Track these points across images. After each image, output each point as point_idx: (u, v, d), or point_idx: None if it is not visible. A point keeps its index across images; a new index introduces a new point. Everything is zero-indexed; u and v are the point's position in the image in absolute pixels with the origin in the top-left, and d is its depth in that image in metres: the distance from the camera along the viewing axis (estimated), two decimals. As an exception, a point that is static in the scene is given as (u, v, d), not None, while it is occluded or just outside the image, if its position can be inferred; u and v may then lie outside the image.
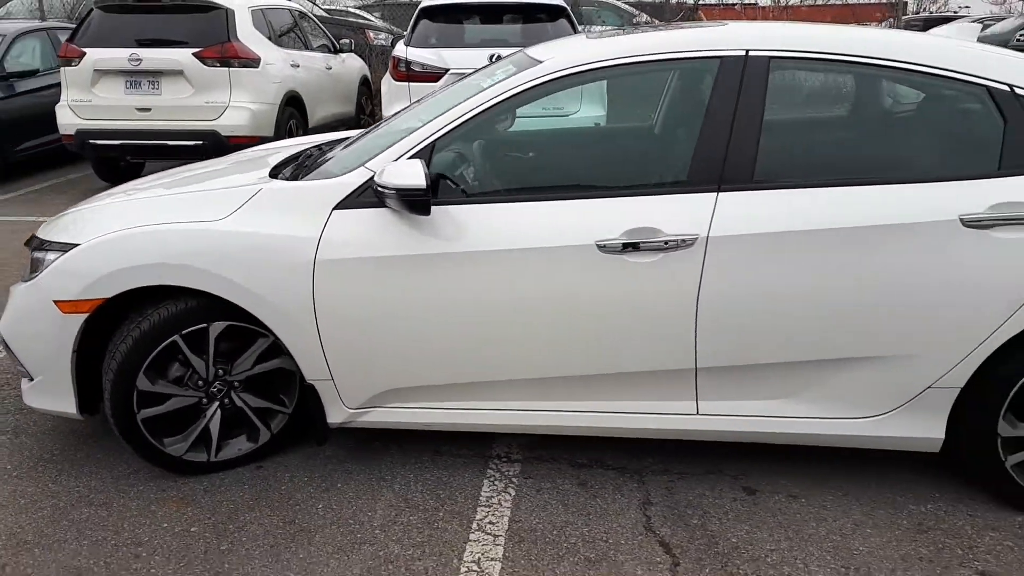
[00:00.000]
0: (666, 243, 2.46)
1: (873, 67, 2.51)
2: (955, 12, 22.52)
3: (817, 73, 2.57)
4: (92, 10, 7.13)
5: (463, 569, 2.42)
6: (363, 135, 3.16)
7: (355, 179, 2.64)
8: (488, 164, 2.84)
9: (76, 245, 2.73)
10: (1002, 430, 2.54)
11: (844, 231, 2.43)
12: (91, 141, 7.02)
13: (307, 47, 8.56)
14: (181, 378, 2.81)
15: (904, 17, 20.09)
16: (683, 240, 2.46)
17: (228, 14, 7.00)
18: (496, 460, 2.99)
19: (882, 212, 2.42)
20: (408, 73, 6.75)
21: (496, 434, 3.13)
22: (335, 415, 2.81)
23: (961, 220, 2.39)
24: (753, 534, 2.56)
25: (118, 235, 2.69)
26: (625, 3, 13.90)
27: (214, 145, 6.71)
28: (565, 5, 7.04)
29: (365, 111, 9.96)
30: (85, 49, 6.91)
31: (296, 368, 2.78)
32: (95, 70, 6.90)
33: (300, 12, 8.93)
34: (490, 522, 2.64)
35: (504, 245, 2.52)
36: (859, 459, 2.93)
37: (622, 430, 2.73)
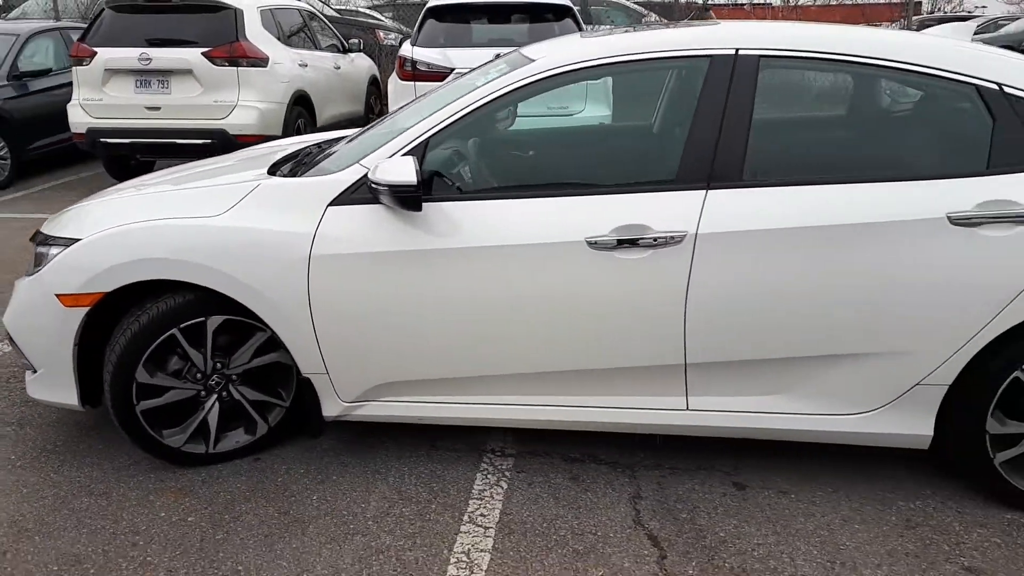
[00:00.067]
0: (655, 240, 2.49)
1: (862, 66, 2.53)
2: (969, 12, 22.35)
3: (807, 72, 2.59)
4: (103, 10, 7.21)
5: (452, 560, 2.45)
6: (361, 133, 3.21)
7: (350, 176, 2.68)
8: (481, 161, 2.87)
9: (78, 240, 2.79)
10: (990, 427, 2.55)
11: (832, 229, 2.45)
12: (102, 140, 7.10)
13: (316, 47, 8.63)
14: (180, 371, 2.86)
15: (918, 17, 19.97)
16: (671, 237, 2.48)
17: (237, 14, 7.07)
18: (490, 454, 3.03)
19: (870, 210, 2.44)
20: (414, 72, 6.80)
21: (491, 429, 3.16)
22: (330, 408, 2.85)
23: (948, 218, 2.41)
24: (741, 528, 2.58)
25: (118, 230, 2.74)
26: (634, 3, 13.91)
27: (223, 144, 6.77)
28: (571, 5, 7.06)
29: (374, 110, 10.03)
30: (96, 48, 7.00)
31: (293, 362, 2.82)
32: (106, 69, 6.98)
33: (309, 12, 9.00)
34: (481, 514, 2.67)
35: (495, 241, 2.56)
36: (850, 456, 2.95)
37: (613, 425, 2.76)
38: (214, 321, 2.79)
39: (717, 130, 2.52)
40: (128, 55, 6.92)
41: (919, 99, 2.64)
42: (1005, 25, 14.14)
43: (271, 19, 7.63)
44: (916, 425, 2.59)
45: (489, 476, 2.89)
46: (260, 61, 7.07)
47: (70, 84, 7.28)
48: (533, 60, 2.70)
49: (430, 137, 2.65)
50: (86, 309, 2.76)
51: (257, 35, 7.20)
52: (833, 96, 2.71)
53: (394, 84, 7.13)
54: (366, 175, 2.62)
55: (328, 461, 3.00)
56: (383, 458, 3.01)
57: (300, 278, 2.65)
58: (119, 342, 2.75)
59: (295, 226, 2.66)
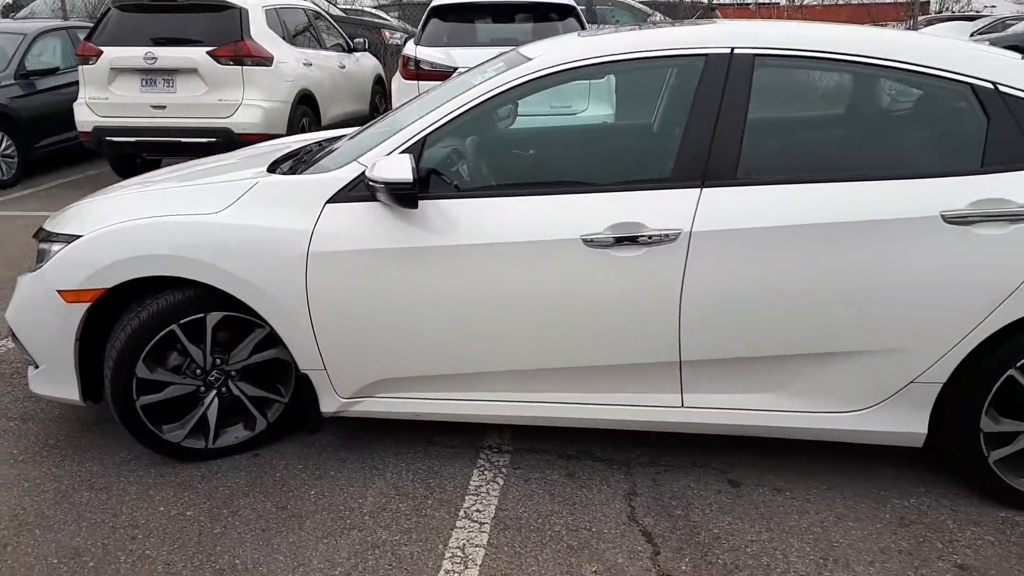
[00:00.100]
0: (649, 238, 2.50)
1: (858, 65, 2.54)
2: (978, 12, 22.28)
3: (802, 71, 2.60)
4: (109, 9, 7.26)
5: (447, 555, 2.47)
6: (359, 131, 3.23)
7: (347, 173, 2.70)
8: (478, 159, 2.89)
9: (79, 237, 2.82)
10: (985, 425, 2.55)
11: (826, 227, 2.46)
12: (108, 138, 7.15)
13: (321, 46, 8.66)
14: (179, 367, 2.88)
15: (925, 16, 19.91)
16: (666, 235, 2.50)
17: (242, 13, 7.11)
18: (487, 451, 3.05)
19: (864, 208, 2.45)
20: (417, 72, 6.82)
21: (488, 426, 3.18)
22: (328, 404, 2.88)
23: (942, 216, 2.41)
24: (735, 525, 2.59)
25: (119, 227, 2.77)
26: (640, 2, 13.91)
27: (227, 142, 6.79)
28: (574, 4, 7.07)
29: (379, 109, 10.06)
30: (102, 48, 7.05)
31: (291, 358, 2.85)
32: (112, 68, 7.03)
33: (315, 12, 9.04)
34: (477, 510, 2.69)
35: (491, 239, 2.58)
36: (846, 454, 2.96)
37: (609, 422, 2.77)
38: (213, 317, 2.82)
39: (712, 128, 2.54)
40: (134, 54, 6.96)
41: (914, 98, 2.65)
42: (1013, 25, 14.07)
43: (276, 18, 7.67)
44: (910, 423, 2.60)
45: (486, 472, 2.91)
46: (265, 60, 7.11)
47: (77, 83, 7.33)
48: (530, 59, 2.72)
49: (427, 135, 2.67)
50: (87, 305, 2.79)
51: (262, 34, 7.24)
52: (828, 95, 2.72)
53: (398, 83, 7.16)
54: (363, 173, 2.64)
55: (326, 457, 3.03)
56: (381, 454, 3.04)
57: (298, 275, 2.67)
58: (119, 338, 2.77)
59: (293, 223, 2.68)
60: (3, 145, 7.81)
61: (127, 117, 7.10)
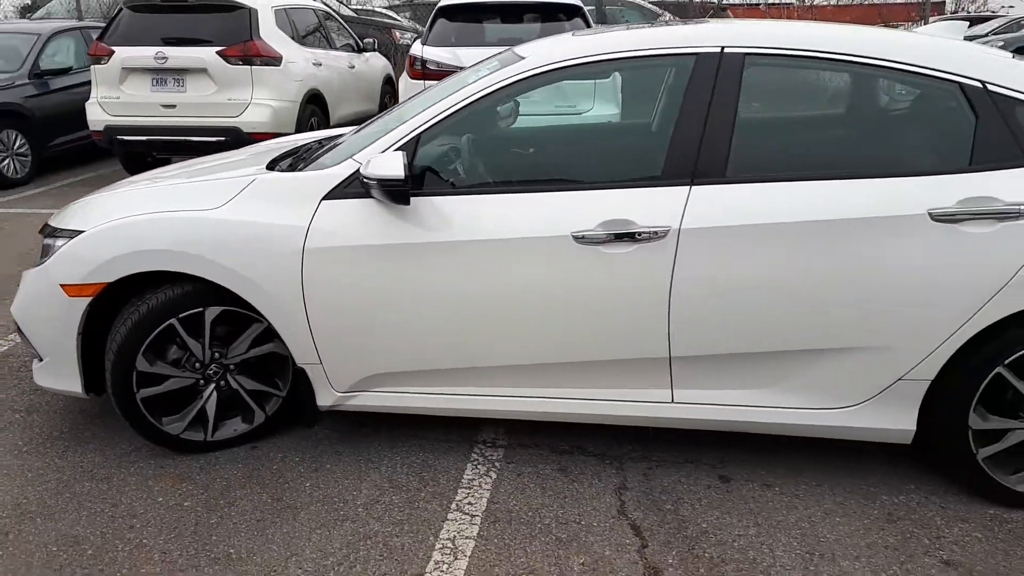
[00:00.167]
0: (639, 235, 2.53)
1: (847, 64, 2.56)
2: (993, 12, 22.09)
3: (791, 69, 2.61)
4: (121, 9, 7.35)
5: (438, 546, 2.51)
6: (358, 130, 3.27)
7: (343, 170, 2.75)
8: (471, 157, 2.92)
9: (82, 232, 2.87)
10: (973, 423, 2.56)
11: (815, 224, 2.47)
12: (119, 137, 7.24)
13: (331, 46, 8.73)
14: (179, 360, 2.94)
15: (941, 17, 19.75)
16: (655, 232, 2.52)
17: (251, 13, 7.17)
18: (481, 445, 3.08)
19: (852, 206, 2.46)
20: (424, 71, 6.87)
21: (483, 421, 3.22)
22: (324, 398, 2.92)
23: (930, 214, 2.43)
24: (723, 520, 2.62)
25: (120, 222, 2.82)
26: (650, 2, 13.92)
27: (236, 141, 6.85)
28: (580, 4, 7.10)
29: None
30: (114, 48, 7.14)
31: (288, 352, 2.89)
32: (123, 68, 7.12)
33: (325, 12, 9.11)
34: (469, 503, 2.73)
35: (483, 235, 2.61)
36: (837, 451, 2.98)
37: (601, 417, 2.80)
38: (212, 312, 2.87)
39: (702, 127, 2.56)
40: (144, 54, 7.04)
41: (903, 97, 2.66)
42: (1027, 25, 13.96)
43: (285, 19, 7.74)
44: (899, 420, 2.61)
45: (479, 466, 2.94)
46: (274, 60, 7.17)
47: (89, 82, 7.43)
48: (523, 58, 2.75)
49: (421, 133, 2.71)
50: (89, 299, 2.84)
51: (271, 34, 7.30)
52: (818, 94, 2.74)
53: (405, 83, 7.21)
54: (358, 169, 2.68)
55: (323, 450, 3.07)
56: (376, 448, 3.08)
57: (294, 270, 2.72)
58: (120, 331, 2.83)
59: (290, 219, 2.73)
60: (17, 144, 7.92)
61: (138, 116, 7.19)
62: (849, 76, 2.62)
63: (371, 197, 2.67)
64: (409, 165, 2.64)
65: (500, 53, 3.19)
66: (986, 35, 13.35)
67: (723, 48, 2.59)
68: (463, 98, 2.69)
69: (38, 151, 8.15)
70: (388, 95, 10.16)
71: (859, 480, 2.82)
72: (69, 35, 8.94)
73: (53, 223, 3.08)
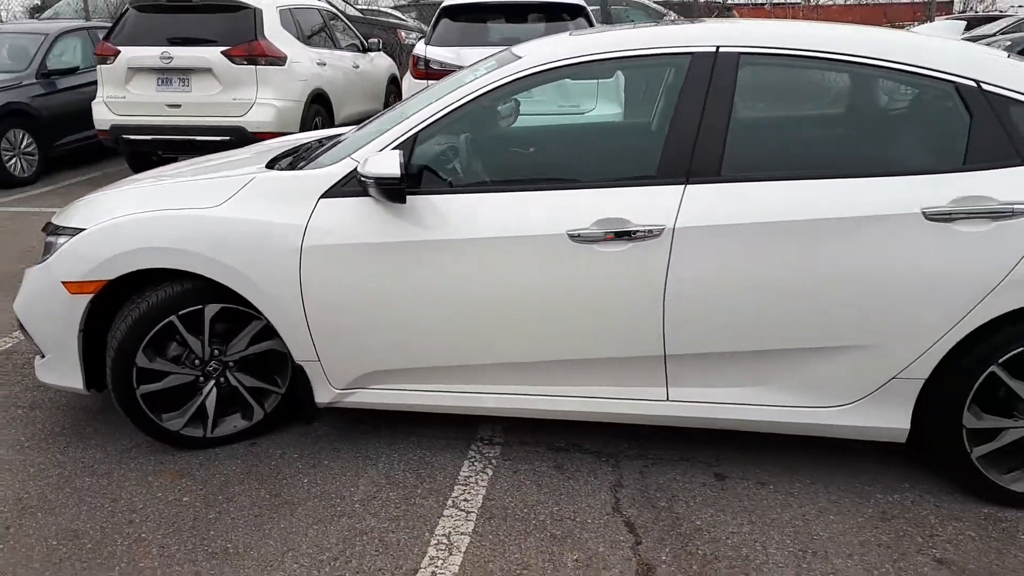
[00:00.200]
0: (634, 233, 2.54)
1: (842, 64, 2.57)
2: (1002, 12, 22.00)
3: (786, 69, 2.62)
4: (128, 9, 7.40)
5: (433, 542, 2.53)
6: (357, 129, 3.29)
7: (341, 169, 2.77)
8: (467, 156, 2.94)
9: (83, 230, 2.90)
10: (967, 421, 2.57)
11: (809, 223, 2.48)
12: (124, 136, 7.30)
13: (336, 46, 8.76)
14: (179, 357, 2.96)
15: (949, 16, 19.68)
16: (650, 231, 2.54)
17: (256, 13, 7.22)
18: (478, 443, 3.10)
19: (846, 205, 2.47)
20: (427, 71, 6.90)
21: (481, 418, 3.24)
22: (322, 395, 2.94)
23: (923, 213, 2.43)
24: (717, 517, 2.63)
25: (121, 220, 2.85)
26: (655, 2, 13.91)
27: (241, 141, 6.89)
28: (584, 4, 7.11)
29: (393, 109, 10.13)
30: (120, 47, 7.19)
31: (287, 350, 2.92)
32: (129, 68, 7.17)
33: (330, 12, 9.14)
34: (465, 499, 2.74)
35: (479, 234, 2.63)
36: (833, 449, 2.98)
37: (597, 414, 2.82)
38: (211, 309, 2.89)
39: (696, 126, 2.57)
40: (150, 54, 7.09)
41: (898, 97, 2.67)
42: (1037, 25, 13.88)
43: (290, 19, 7.78)
44: (893, 418, 2.62)
45: (476, 463, 2.96)
46: (278, 60, 7.21)
47: (96, 82, 7.47)
48: (520, 57, 2.77)
49: (418, 132, 2.73)
50: (90, 296, 2.87)
51: (276, 34, 7.34)
52: (813, 93, 2.75)
53: (408, 83, 7.24)
54: (356, 168, 2.70)
55: (322, 447, 3.10)
56: (375, 445, 3.10)
57: (292, 268, 2.74)
58: (120, 328, 2.86)
59: (288, 218, 2.75)
60: (24, 143, 7.98)
61: (143, 116, 7.24)
62: (844, 76, 2.62)
63: (369, 196, 2.70)
64: (406, 164, 2.66)
65: (498, 53, 3.21)
66: (993, 35, 13.30)
67: (718, 48, 2.61)
68: (460, 97, 2.71)
69: (45, 150, 8.21)
70: (393, 95, 10.19)
71: (854, 479, 2.83)
72: (76, 35, 9.00)
73: (55, 221, 3.11)
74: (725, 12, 14.72)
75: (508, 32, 7.10)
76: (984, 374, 2.51)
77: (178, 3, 7.20)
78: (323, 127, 7.82)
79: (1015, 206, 2.39)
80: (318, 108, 7.87)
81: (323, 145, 3.32)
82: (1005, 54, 2.63)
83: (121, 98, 7.26)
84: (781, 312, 2.55)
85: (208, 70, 7.06)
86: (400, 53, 11.93)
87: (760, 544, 2.50)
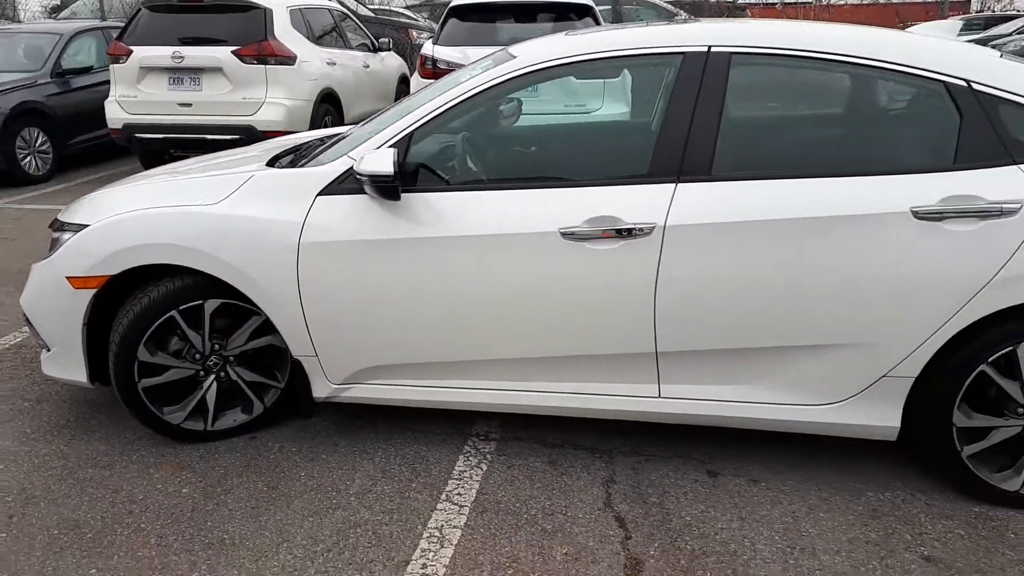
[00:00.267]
0: (625, 231, 2.57)
1: (833, 63, 2.59)
2: (1019, 11, 21.82)
3: (778, 68, 2.64)
4: (140, 9, 7.49)
5: (425, 535, 2.57)
6: (357, 128, 3.34)
7: (338, 167, 2.81)
8: (462, 154, 2.98)
9: (87, 226, 2.96)
10: (957, 420, 2.58)
11: (799, 222, 2.50)
12: (137, 135, 7.39)
13: (346, 46, 8.82)
14: (179, 351, 3.02)
15: (965, 16, 19.56)
16: (641, 229, 2.56)
17: (266, 13, 7.29)
18: (474, 438, 3.14)
19: (835, 204, 2.49)
20: (434, 71, 6.94)
21: (477, 414, 3.28)
22: (320, 390, 2.99)
23: (912, 212, 2.45)
24: (707, 513, 2.65)
25: (123, 217, 2.91)
26: (666, 2, 13.90)
27: (251, 139, 6.99)
28: (591, 4, 7.14)
29: (403, 108, 10.18)
30: (132, 47, 7.29)
31: (286, 345, 2.96)
32: (141, 67, 7.26)
33: (341, 12, 9.20)
34: (458, 494, 2.78)
35: (473, 231, 2.66)
36: (826, 447, 3.00)
37: (589, 411, 2.84)
38: (211, 304, 2.94)
39: (688, 125, 2.59)
40: (162, 53, 7.18)
41: (888, 96, 2.68)
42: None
43: (300, 18, 7.84)
44: (883, 417, 2.63)
45: (471, 458, 3.00)
46: (288, 59, 7.28)
47: (109, 81, 7.57)
48: (515, 57, 2.80)
49: (414, 131, 2.77)
50: (93, 291, 2.93)
51: (286, 34, 7.41)
52: (804, 93, 2.76)
53: (416, 82, 7.29)
54: (352, 166, 2.74)
55: (320, 441, 3.14)
56: (372, 439, 3.14)
57: (290, 264, 2.79)
58: (122, 323, 2.92)
59: (286, 214, 2.80)
60: (39, 141, 8.10)
61: (155, 114, 7.33)
62: (835, 75, 2.63)
63: (365, 193, 2.74)
64: (402, 162, 2.70)
65: (494, 53, 3.24)
66: (1009, 34, 13.22)
67: (710, 47, 2.63)
68: (454, 96, 2.75)
69: (59, 148, 8.32)
70: (403, 94, 10.25)
71: (846, 477, 2.85)
72: (91, 35, 9.11)
73: (61, 217, 3.18)
74: (738, 12, 14.67)
75: (515, 32, 7.13)
76: (974, 373, 2.52)
77: (189, 3, 7.28)
78: (333, 126, 7.89)
79: (1004, 205, 2.40)
80: (328, 107, 7.93)
81: (324, 143, 3.36)
82: (997, 54, 2.64)
83: (133, 97, 7.36)
84: (771, 310, 2.56)
85: (219, 69, 7.14)
86: (411, 53, 11.98)
87: (748, 540, 2.52)
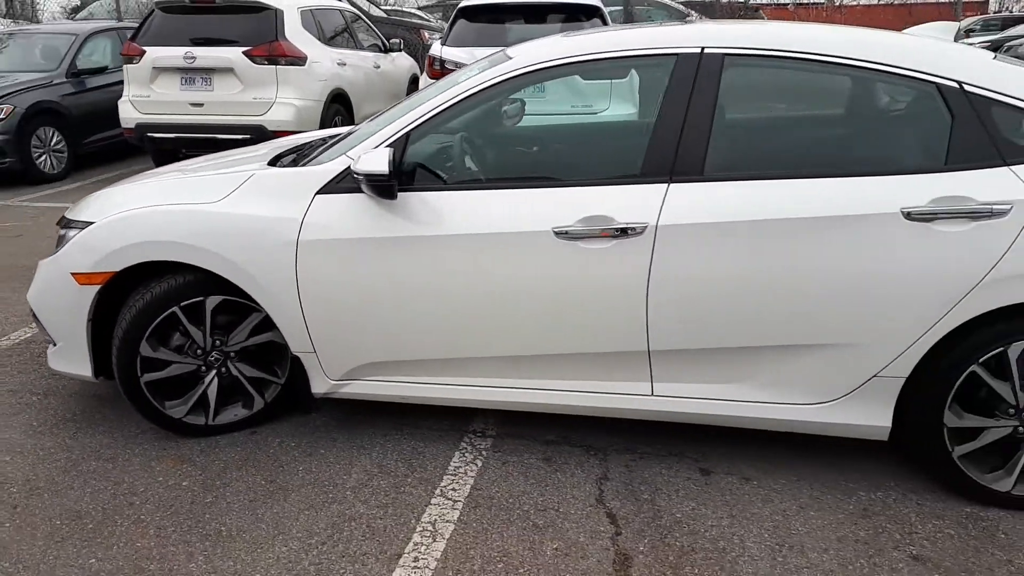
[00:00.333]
0: (617, 231, 2.60)
1: (825, 64, 2.60)
2: (1037, 11, 21.60)
3: (771, 70, 2.66)
4: (153, 10, 7.59)
5: (418, 528, 2.61)
6: (357, 128, 3.38)
7: (337, 166, 2.86)
8: (460, 154, 3.02)
9: (92, 223, 3.02)
10: (948, 420, 2.58)
11: (790, 222, 2.52)
12: (149, 134, 7.49)
13: (357, 46, 8.89)
14: (181, 347, 3.07)
15: (983, 16, 19.41)
16: (633, 228, 2.59)
17: (277, 14, 7.36)
18: (471, 435, 3.17)
19: (826, 204, 2.50)
20: (442, 71, 6.98)
21: (475, 411, 3.31)
22: (318, 385, 3.03)
23: (903, 213, 2.46)
24: (698, 511, 2.67)
25: (127, 214, 2.97)
26: (678, 2, 13.89)
27: (261, 139, 7.04)
28: (599, 5, 7.15)
29: (414, 108, 10.22)
30: (145, 48, 7.38)
31: (285, 341, 3.01)
32: (153, 67, 7.35)
33: (353, 13, 9.27)
34: (453, 489, 2.82)
35: (468, 230, 2.70)
36: (820, 446, 3.01)
37: (583, 408, 2.87)
38: (212, 301, 3.00)
39: (680, 125, 2.62)
40: (174, 54, 7.27)
41: (881, 97, 2.69)
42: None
43: (311, 19, 7.91)
44: (874, 416, 2.65)
45: (467, 455, 3.03)
46: (298, 60, 7.35)
47: (123, 81, 7.66)
48: (511, 58, 2.84)
49: (411, 131, 2.81)
50: (98, 287, 2.99)
51: (296, 35, 7.48)
52: (796, 94, 2.78)
53: (424, 82, 7.34)
54: (350, 166, 2.78)
55: (319, 436, 3.19)
56: (370, 435, 3.18)
57: (289, 262, 2.83)
58: (125, 318, 2.97)
59: (285, 213, 2.84)
60: (54, 140, 8.21)
61: (167, 114, 7.42)
62: (828, 76, 2.65)
63: (362, 192, 2.78)
64: (399, 161, 2.74)
65: (492, 54, 3.28)
66: (994, 38, 13.15)
67: (703, 48, 2.65)
68: (451, 97, 2.78)
69: (74, 148, 8.44)
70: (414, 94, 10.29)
71: (839, 476, 2.86)
72: (106, 35, 9.23)
73: (68, 215, 3.24)
74: (753, 13, 14.64)
75: (523, 33, 7.15)
76: (964, 373, 2.53)
77: (202, 4, 7.36)
78: (343, 126, 7.94)
79: (994, 206, 2.40)
80: (338, 108, 8.00)
81: (326, 143, 3.41)
82: (991, 55, 2.64)
83: (146, 97, 7.45)
84: (763, 310, 2.58)
85: (230, 70, 7.22)
86: (423, 53, 12.03)
87: (738, 537, 2.54)
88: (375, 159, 2.63)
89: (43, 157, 8.10)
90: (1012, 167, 2.45)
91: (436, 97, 2.82)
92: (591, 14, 7.15)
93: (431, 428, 3.22)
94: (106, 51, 9.14)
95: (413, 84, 10.29)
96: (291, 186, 2.88)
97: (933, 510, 2.67)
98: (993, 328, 2.48)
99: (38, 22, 19.06)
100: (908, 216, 2.46)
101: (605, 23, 7.10)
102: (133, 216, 2.95)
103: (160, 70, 7.36)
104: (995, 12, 23.71)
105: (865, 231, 2.48)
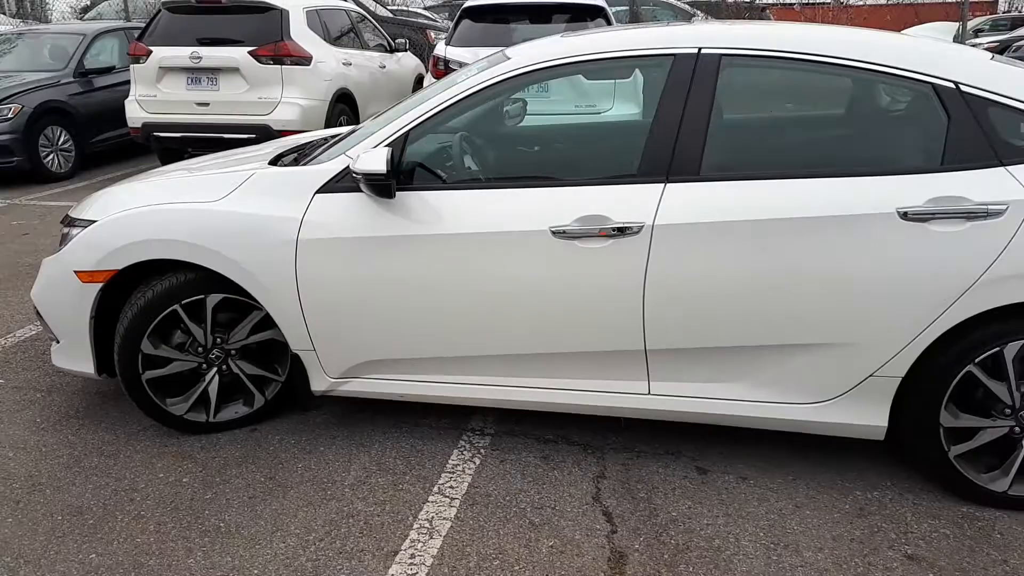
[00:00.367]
0: (613, 230, 2.61)
1: (822, 65, 2.61)
2: (1047, 11, 21.51)
3: (767, 70, 2.66)
4: (160, 10, 7.63)
5: (415, 526, 2.62)
6: (358, 127, 3.40)
7: (336, 166, 2.88)
8: (458, 154, 3.03)
9: (95, 222, 3.05)
10: (944, 420, 2.59)
11: (787, 222, 2.52)
12: (155, 134, 7.53)
13: (363, 46, 8.92)
14: (183, 344, 3.10)
15: (992, 16, 19.32)
16: (629, 228, 2.60)
17: (283, 14, 7.39)
18: (469, 433, 3.19)
19: (823, 204, 2.51)
20: (446, 71, 7.00)
21: (474, 409, 3.33)
22: (318, 383, 3.05)
23: (899, 213, 2.46)
24: (694, 509, 2.68)
25: (129, 212, 2.99)
26: (684, 2, 13.88)
27: (266, 138, 7.07)
28: (603, 5, 7.17)
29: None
30: (152, 47, 7.42)
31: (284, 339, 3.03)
32: (160, 67, 7.39)
33: (358, 13, 9.30)
34: (450, 487, 2.83)
35: (465, 229, 2.71)
36: (817, 446, 3.01)
37: (580, 407, 2.88)
38: (213, 299, 3.02)
39: (677, 126, 2.63)
40: (180, 54, 7.31)
41: (878, 97, 2.70)
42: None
43: (317, 19, 7.94)
44: (871, 416, 2.65)
45: (465, 452, 3.05)
46: (303, 60, 7.38)
47: (130, 81, 7.71)
48: (509, 59, 2.85)
49: (410, 130, 2.82)
50: (100, 285, 3.02)
51: (302, 35, 7.51)
52: (793, 94, 2.79)
53: (428, 82, 7.35)
54: (349, 165, 2.80)
55: (319, 433, 3.21)
56: (369, 433, 3.20)
57: (288, 260, 2.85)
58: (127, 316, 3.00)
59: (285, 212, 2.87)
60: (62, 139, 8.27)
61: (173, 113, 7.46)
62: (824, 77, 2.65)
63: (361, 191, 2.80)
64: (397, 161, 2.76)
65: (491, 54, 3.29)
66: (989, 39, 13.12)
67: (700, 49, 2.66)
68: (449, 97, 2.80)
69: (81, 147, 8.49)
70: (420, 94, 10.31)
71: (836, 475, 2.86)
72: (113, 35, 9.28)
73: (71, 213, 3.27)
74: (760, 13, 14.62)
75: (528, 33, 7.17)
76: (960, 373, 2.53)
77: (208, 4, 7.40)
78: (348, 126, 7.97)
79: (990, 206, 2.41)
80: (343, 107, 8.02)
81: (327, 143, 3.43)
82: (988, 55, 2.64)
83: (152, 96, 7.49)
84: (759, 309, 2.59)
85: (235, 70, 7.26)
86: (429, 53, 12.06)
87: (733, 536, 2.55)
88: (373, 159, 2.65)
89: (51, 156, 8.16)
90: (1008, 167, 2.45)
91: (434, 97, 2.84)
92: (595, 14, 7.17)
93: (430, 426, 3.24)
94: (113, 51, 9.19)
95: (419, 84, 10.31)
96: (291, 185, 2.91)
97: (929, 510, 2.67)
98: (989, 328, 2.48)
99: (48, 22, 19.18)
100: (904, 216, 2.46)
101: (609, 23, 7.11)
102: (135, 215, 2.98)
103: (166, 70, 7.40)
104: (1004, 12, 23.62)
105: (861, 231, 2.48)
